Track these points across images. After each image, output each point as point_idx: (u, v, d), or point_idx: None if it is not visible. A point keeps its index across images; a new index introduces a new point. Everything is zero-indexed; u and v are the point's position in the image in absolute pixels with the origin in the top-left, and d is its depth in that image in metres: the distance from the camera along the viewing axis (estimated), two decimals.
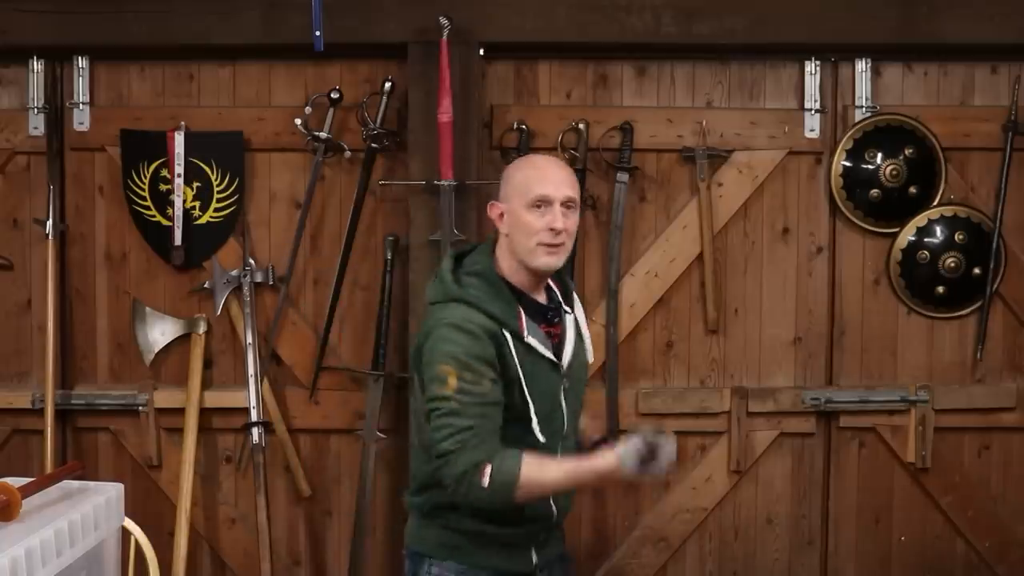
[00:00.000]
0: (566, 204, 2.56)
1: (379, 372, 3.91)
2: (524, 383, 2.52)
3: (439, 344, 2.48)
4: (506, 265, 2.60)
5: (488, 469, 2.39)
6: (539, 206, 2.53)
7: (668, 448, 2.37)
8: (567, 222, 2.56)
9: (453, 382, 2.44)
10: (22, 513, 2.45)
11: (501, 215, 2.60)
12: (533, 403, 2.53)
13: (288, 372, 4.05)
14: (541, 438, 2.53)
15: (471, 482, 2.40)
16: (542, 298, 2.65)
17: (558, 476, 2.47)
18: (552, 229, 2.53)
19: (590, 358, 2.79)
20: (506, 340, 2.51)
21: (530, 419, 2.52)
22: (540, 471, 2.44)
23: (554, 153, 3.95)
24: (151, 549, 2.84)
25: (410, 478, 2.71)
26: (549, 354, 2.59)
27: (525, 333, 2.54)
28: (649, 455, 2.35)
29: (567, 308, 2.70)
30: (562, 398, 2.62)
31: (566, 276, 2.78)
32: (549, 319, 2.64)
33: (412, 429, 2.72)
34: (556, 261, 2.57)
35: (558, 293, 2.72)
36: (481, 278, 2.58)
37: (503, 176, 2.63)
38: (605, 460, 2.43)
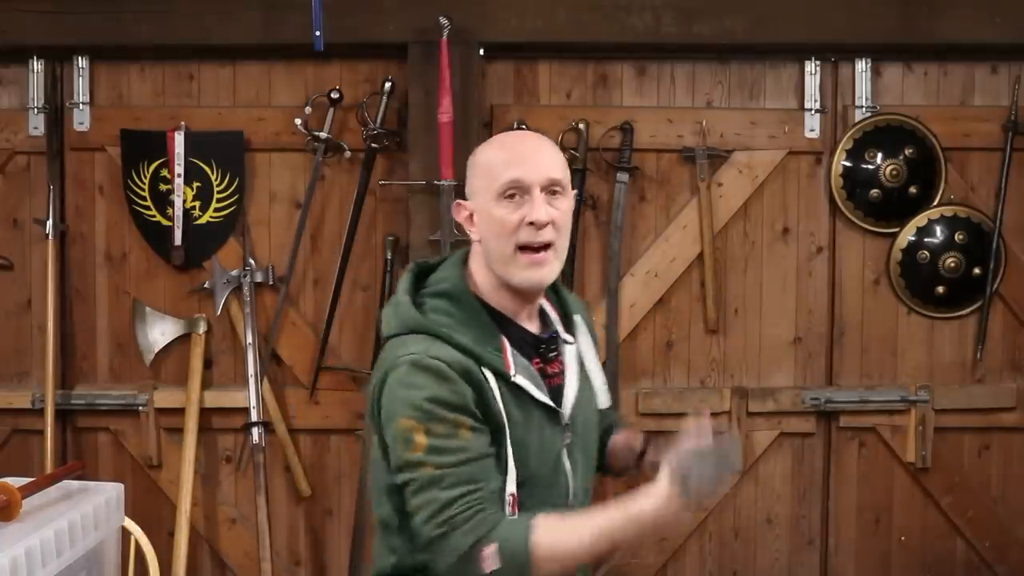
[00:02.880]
0: (549, 189, 1.95)
1: None
2: (508, 436, 1.91)
3: (397, 391, 1.89)
4: (482, 282, 2.00)
5: (491, 549, 1.81)
6: (512, 195, 1.93)
7: (735, 448, 1.79)
8: (553, 212, 1.94)
9: (421, 440, 1.85)
10: (22, 513, 2.45)
11: (470, 217, 2.01)
12: (518, 467, 1.92)
13: (288, 372, 4.04)
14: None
15: (471, 571, 1.83)
16: (533, 325, 2.05)
17: (590, 535, 1.83)
18: (532, 223, 1.92)
19: (602, 403, 2.13)
20: (486, 381, 1.91)
21: (514, 489, 1.90)
22: (563, 534, 1.84)
23: None
24: (151, 549, 2.84)
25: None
26: (545, 399, 1.98)
27: (512, 371, 1.94)
28: (712, 464, 1.74)
29: (567, 338, 2.08)
30: (565, 460, 2.01)
31: (565, 292, 2.16)
32: (543, 353, 2.03)
33: (372, 500, 2.11)
34: (544, 273, 1.96)
35: (555, 318, 2.10)
36: (449, 299, 1.98)
37: (468, 164, 2.06)
38: (655, 491, 1.79)
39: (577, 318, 2.13)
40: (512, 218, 1.92)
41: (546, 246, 1.94)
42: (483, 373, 1.91)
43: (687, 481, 1.73)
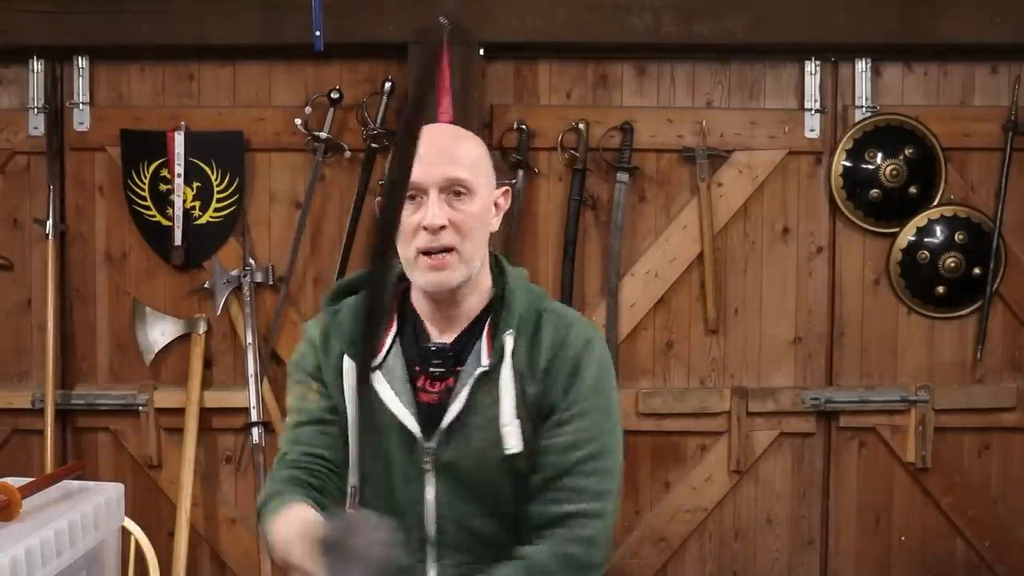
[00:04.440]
0: (451, 190, 1.83)
1: None
2: (351, 427, 1.83)
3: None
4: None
5: (264, 510, 1.81)
6: (412, 197, 1.81)
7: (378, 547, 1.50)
8: (453, 214, 1.81)
9: (287, 399, 1.95)
10: (22, 513, 2.45)
11: None
12: (363, 464, 1.80)
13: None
14: None
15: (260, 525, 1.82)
16: (446, 335, 1.89)
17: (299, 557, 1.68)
18: (425, 228, 1.81)
19: (508, 445, 1.83)
20: (345, 368, 1.87)
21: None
22: (285, 520, 1.74)
23: (554, 153, 3.97)
24: (151, 549, 2.84)
25: None
26: (405, 418, 1.83)
27: (375, 362, 1.84)
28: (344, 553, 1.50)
29: (483, 361, 1.85)
30: (427, 488, 1.84)
31: (511, 315, 1.88)
32: (432, 368, 1.87)
33: None
34: (443, 277, 1.83)
35: (484, 340, 1.87)
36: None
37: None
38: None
39: (508, 342, 1.85)
40: (410, 222, 1.81)
41: (447, 250, 1.82)
42: (341, 359, 1.87)
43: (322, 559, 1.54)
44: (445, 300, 1.88)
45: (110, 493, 2.72)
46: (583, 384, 1.86)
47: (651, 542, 4.08)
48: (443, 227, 1.81)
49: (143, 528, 2.89)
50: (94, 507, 2.61)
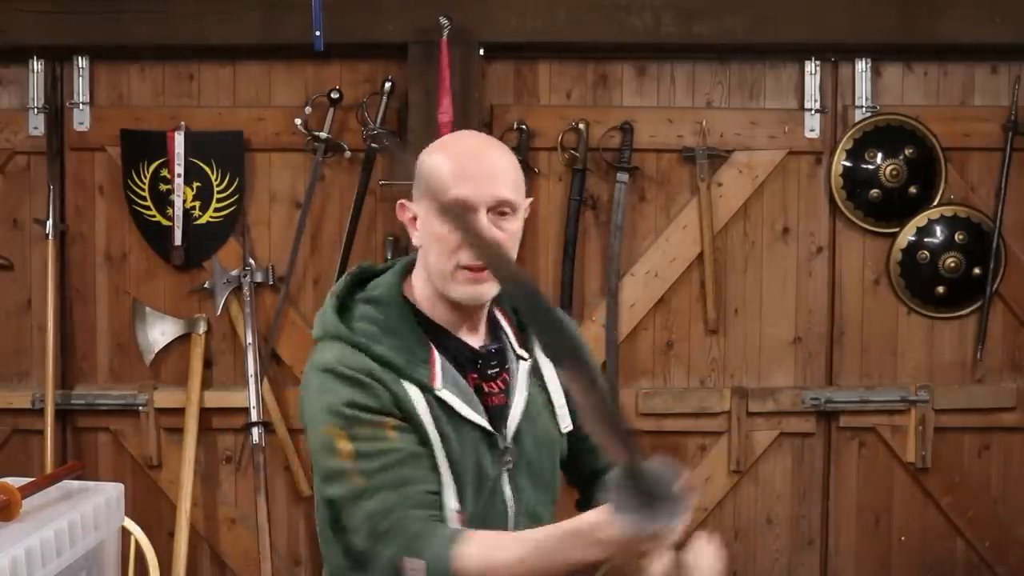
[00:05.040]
0: (497, 210, 1.84)
1: None
2: (440, 450, 1.81)
3: (314, 398, 1.82)
4: (421, 291, 1.90)
5: (416, 564, 1.69)
6: None
7: (675, 482, 1.58)
8: (498, 234, 1.83)
9: (346, 447, 1.76)
10: (22, 513, 2.45)
11: (413, 219, 1.90)
12: (460, 484, 1.81)
13: (288, 372, 4.04)
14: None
15: None
16: (476, 338, 1.92)
17: (523, 552, 1.66)
18: None
19: (564, 424, 1.96)
20: (405, 395, 1.80)
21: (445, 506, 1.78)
22: (493, 549, 1.69)
23: (554, 153, 3.97)
24: (151, 549, 2.84)
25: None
26: (478, 419, 1.85)
27: (438, 384, 1.82)
28: (650, 495, 1.55)
29: (521, 353, 1.94)
30: (505, 485, 1.88)
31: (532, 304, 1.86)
32: (481, 368, 1.89)
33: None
34: (483, 290, 1.85)
35: (508, 332, 1.96)
36: (377, 305, 1.88)
37: (417, 163, 1.90)
38: (592, 516, 1.61)
39: (535, 336, 1.92)
40: (454, 239, 1.79)
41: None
42: (403, 385, 1.80)
43: (618, 521, 1.54)
44: (474, 308, 1.90)
45: (110, 493, 2.71)
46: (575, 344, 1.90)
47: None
48: None
49: (143, 528, 2.88)
50: (94, 507, 2.61)
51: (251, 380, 3.91)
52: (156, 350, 4.01)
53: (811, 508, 4.11)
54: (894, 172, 3.99)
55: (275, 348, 4.01)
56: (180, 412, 3.96)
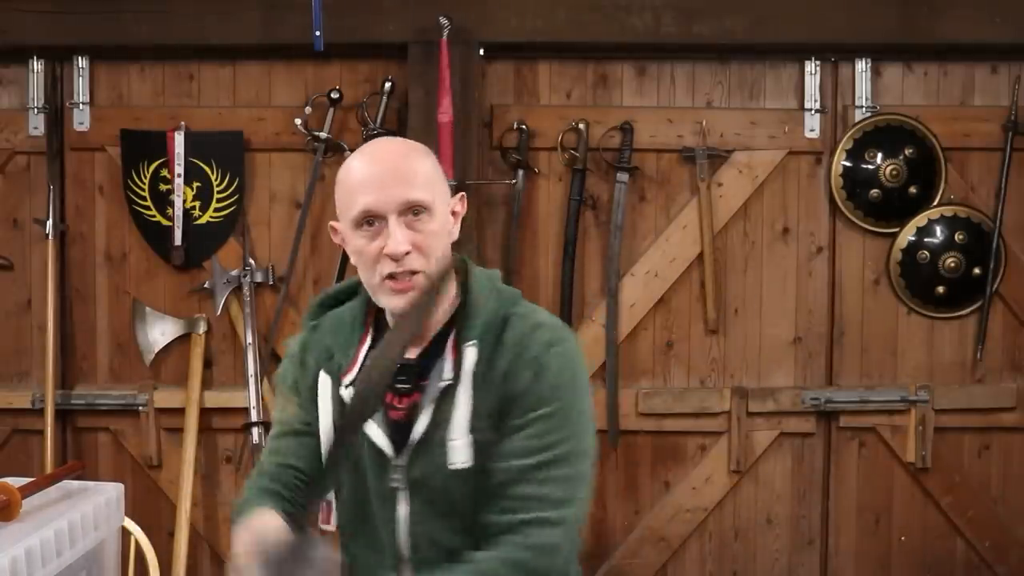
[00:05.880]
0: (410, 211, 1.79)
1: None
2: (323, 440, 1.87)
3: None
4: None
5: (235, 517, 1.85)
6: (369, 222, 1.80)
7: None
8: (415, 236, 1.78)
9: (273, 413, 2.03)
10: (22, 513, 2.45)
11: (344, 240, 1.90)
12: (331, 479, 1.85)
13: None
14: (341, 553, 1.83)
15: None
16: (414, 351, 1.85)
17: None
18: (389, 255, 1.78)
19: (453, 460, 1.80)
20: (318, 379, 1.91)
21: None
22: (245, 528, 1.81)
23: (554, 153, 3.97)
24: (151, 549, 2.84)
25: None
26: (377, 436, 1.82)
27: (346, 380, 1.85)
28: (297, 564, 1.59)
29: (446, 374, 1.81)
30: (399, 504, 1.82)
31: (473, 325, 1.84)
32: (399, 384, 1.83)
33: None
34: (405, 302, 1.79)
35: (448, 352, 1.83)
36: (358, 298, 1.95)
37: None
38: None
39: (470, 354, 1.81)
40: (371, 250, 1.79)
41: (412, 272, 1.79)
42: (320, 370, 1.91)
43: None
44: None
45: (110, 493, 2.71)
46: (542, 387, 1.79)
47: (651, 542, 4.08)
48: (407, 252, 1.77)
49: (143, 528, 2.89)
50: (94, 507, 2.61)
51: (251, 380, 3.91)
52: (156, 350, 4.01)
53: (811, 508, 4.11)
54: (894, 172, 3.99)
55: (275, 348, 4.01)
56: (180, 412, 3.96)
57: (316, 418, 1.90)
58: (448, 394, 1.81)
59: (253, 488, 1.90)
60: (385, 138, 1.99)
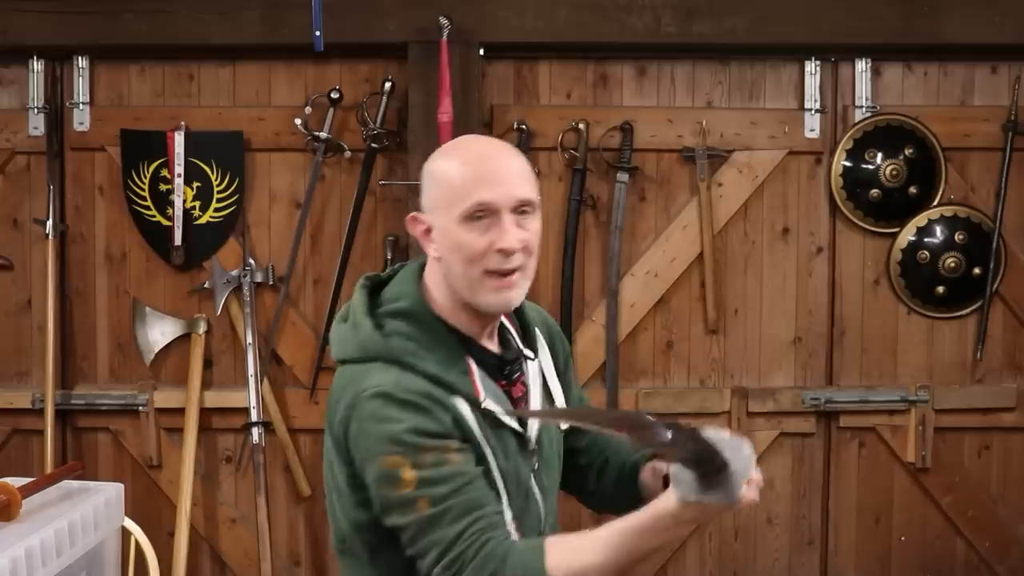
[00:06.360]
0: (520, 210, 1.80)
1: None
2: (493, 464, 1.80)
3: (371, 427, 1.75)
4: (442, 300, 1.85)
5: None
6: (480, 217, 1.77)
7: (740, 452, 1.65)
8: (523, 235, 1.80)
9: (410, 475, 1.71)
10: (22, 513, 2.45)
11: (427, 231, 1.84)
12: (508, 493, 1.81)
13: (288, 372, 4.04)
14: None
15: None
16: (494, 344, 1.90)
17: (605, 549, 1.68)
18: (501, 250, 1.78)
19: (562, 424, 1.99)
20: (459, 412, 1.78)
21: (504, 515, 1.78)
22: (578, 553, 1.69)
23: (554, 153, 3.97)
24: (151, 549, 2.84)
25: None
26: (513, 423, 1.85)
27: (482, 397, 1.80)
28: (711, 464, 1.59)
29: (528, 353, 1.93)
30: (533, 485, 1.89)
31: (522, 308, 1.96)
32: (508, 375, 1.89)
33: (333, 529, 2.00)
34: (513, 297, 1.83)
35: (514, 334, 1.94)
36: (410, 320, 1.82)
37: (423, 172, 1.86)
38: (668, 505, 1.64)
39: (540, 332, 1.98)
40: (479, 243, 1.77)
41: (515, 269, 1.81)
42: (455, 404, 1.77)
43: (682, 494, 1.60)
44: (497, 314, 1.89)
45: (110, 493, 2.71)
46: (568, 348, 2.09)
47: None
48: (524, 246, 1.81)
49: (143, 528, 2.88)
50: (94, 507, 2.61)
51: (251, 380, 3.91)
52: (156, 350, 4.01)
53: (811, 508, 4.11)
54: (894, 172, 3.99)
55: (275, 348, 4.01)
56: (180, 412, 3.96)
57: (478, 450, 1.80)
58: (537, 370, 1.95)
59: (501, 545, 1.71)
60: (480, 136, 2.02)
